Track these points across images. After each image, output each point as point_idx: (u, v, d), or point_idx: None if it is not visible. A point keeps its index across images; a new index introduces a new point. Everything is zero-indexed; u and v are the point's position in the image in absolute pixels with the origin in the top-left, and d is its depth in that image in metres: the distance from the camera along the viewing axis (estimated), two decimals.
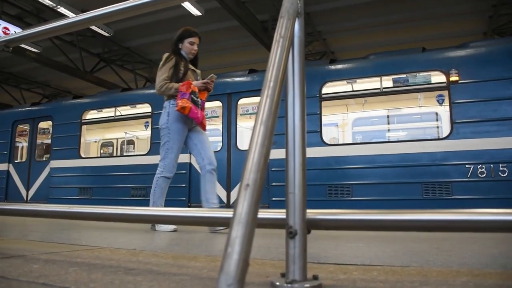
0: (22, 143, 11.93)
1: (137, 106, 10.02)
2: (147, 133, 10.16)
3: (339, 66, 7.87)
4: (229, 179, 8.34)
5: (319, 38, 12.43)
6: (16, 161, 11.50)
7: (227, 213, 1.48)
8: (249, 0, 10.32)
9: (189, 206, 8.35)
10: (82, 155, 10.23)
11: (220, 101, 8.79)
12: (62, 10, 10.05)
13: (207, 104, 9.12)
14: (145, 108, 9.66)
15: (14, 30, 9.65)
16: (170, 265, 1.82)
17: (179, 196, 8.45)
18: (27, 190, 10.91)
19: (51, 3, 9.82)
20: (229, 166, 8.39)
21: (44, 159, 11.24)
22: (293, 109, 1.36)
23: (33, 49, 12.41)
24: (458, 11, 10.78)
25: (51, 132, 10.93)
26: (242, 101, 8.69)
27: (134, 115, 10.24)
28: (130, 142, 12.96)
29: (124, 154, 12.34)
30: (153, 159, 8.78)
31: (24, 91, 17.60)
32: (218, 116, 9.00)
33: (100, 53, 13.92)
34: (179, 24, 11.66)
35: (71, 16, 8.60)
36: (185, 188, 8.54)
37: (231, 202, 8.18)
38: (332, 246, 2.83)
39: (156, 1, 2.03)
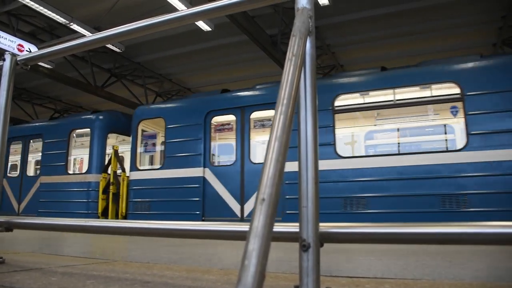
0: (223, 141, 9.38)
1: (433, 87, 7.34)
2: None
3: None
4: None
5: (328, 51, 12.49)
6: (215, 164, 8.73)
7: (242, 227, 1.51)
8: (258, 15, 10.44)
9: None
10: (340, 154, 7.50)
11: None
12: (75, 27, 10.22)
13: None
14: (448, 89, 7.16)
15: (29, 47, 9.83)
16: (185, 278, 1.85)
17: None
18: (242, 204, 8.09)
19: (65, 20, 10.00)
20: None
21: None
22: (305, 124, 1.40)
23: (46, 65, 12.63)
24: (467, 23, 10.78)
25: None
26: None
27: (427, 99, 7.43)
28: None
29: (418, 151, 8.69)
30: (473, 156, 6.54)
31: (37, 106, 17.89)
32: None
33: (111, 68, 14.12)
34: (190, 39, 11.97)
35: (84, 33, 8.65)
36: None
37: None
38: (344, 259, 2.83)
39: (169, 20, 2.09)
